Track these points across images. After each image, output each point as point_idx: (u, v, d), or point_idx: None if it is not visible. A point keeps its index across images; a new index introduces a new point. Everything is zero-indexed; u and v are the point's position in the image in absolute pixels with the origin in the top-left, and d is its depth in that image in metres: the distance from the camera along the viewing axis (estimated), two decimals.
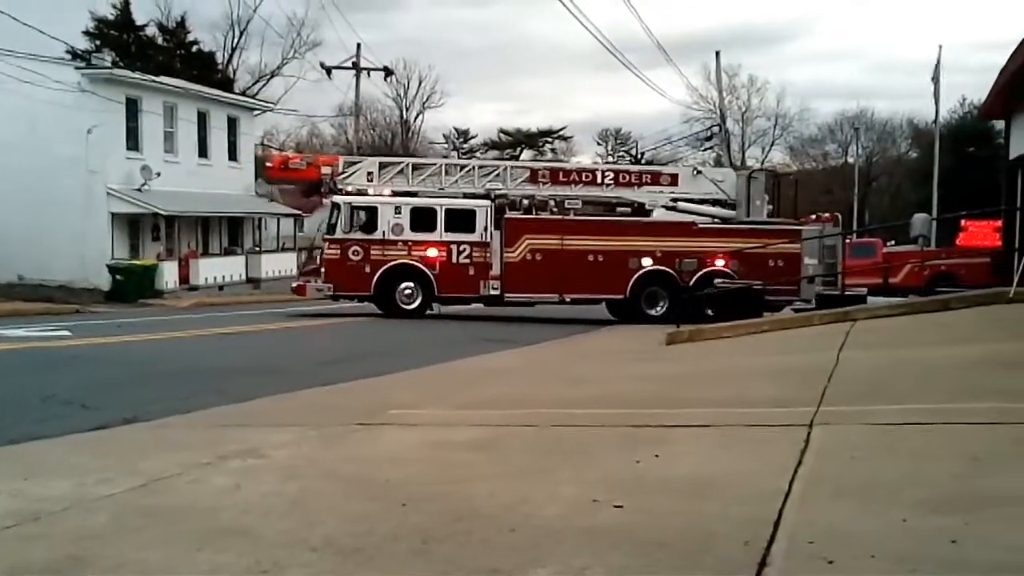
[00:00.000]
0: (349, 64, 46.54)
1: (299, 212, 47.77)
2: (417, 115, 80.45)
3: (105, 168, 33.93)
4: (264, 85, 63.15)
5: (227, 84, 53.69)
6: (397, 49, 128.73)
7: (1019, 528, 4.04)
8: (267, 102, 51.93)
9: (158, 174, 35.06)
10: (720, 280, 22.73)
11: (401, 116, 78.88)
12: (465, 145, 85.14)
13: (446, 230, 23.82)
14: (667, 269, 23.27)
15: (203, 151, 40.26)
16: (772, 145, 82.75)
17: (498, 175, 25.16)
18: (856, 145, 76.08)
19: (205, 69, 52.46)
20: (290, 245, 46.23)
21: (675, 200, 24.95)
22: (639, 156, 75.66)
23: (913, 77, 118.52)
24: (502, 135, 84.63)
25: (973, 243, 34.53)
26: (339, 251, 23.93)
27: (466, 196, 24.59)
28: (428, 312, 24.26)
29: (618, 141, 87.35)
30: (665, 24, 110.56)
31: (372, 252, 23.71)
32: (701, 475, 5.32)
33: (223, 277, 38.74)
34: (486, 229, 23.94)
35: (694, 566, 3.85)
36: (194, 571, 3.98)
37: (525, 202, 24.97)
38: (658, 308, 22.46)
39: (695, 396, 8.61)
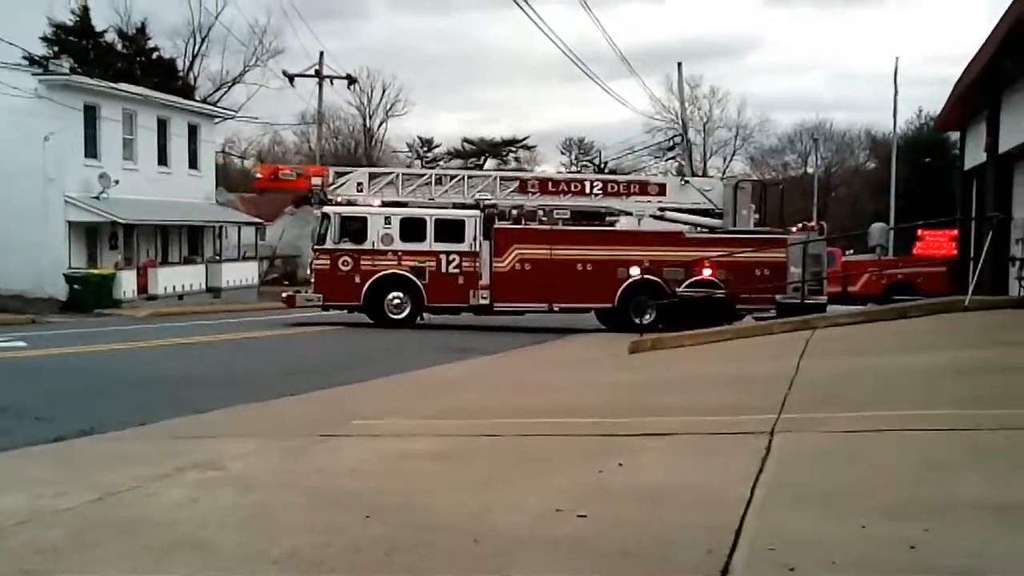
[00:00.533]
0: (312, 72, 46.33)
1: (260, 221, 47.51)
2: (380, 123, 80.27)
3: (62, 176, 33.49)
4: (225, 92, 62.76)
5: (188, 91, 53.23)
6: (361, 57, 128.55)
7: (977, 534, 4.09)
8: (228, 110, 51.59)
9: (116, 182, 34.67)
10: (682, 291, 22.88)
11: (364, 124, 78.66)
12: (429, 154, 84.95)
13: (436, 240, 23.93)
14: (655, 278, 23.39)
15: (163, 159, 39.88)
16: (733, 155, 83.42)
17: (487, 185, 25.35)
18: (815, 155, 76.84)
19: (165, 76, 51.93)
20: (251, 254, 45.92)
21: (663, 210, 25.16)
22: (602, 166, 76.01)
23: (871, 89, 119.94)
24: (466, 144, 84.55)
25: (930, 252, 34.99)
26: (329, 261, 23.98)
27: (456, 206, 24.73)
28: (419, 322, 24.35)
29: (581, 151, 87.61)
30: (628, 35, 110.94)
31: (362, 262, 23.80)
32: (664, 483, 5.33)
33: (183, 286, 38.34)
34: (475, 239, 24.09)
35: (657, 574, 3.86)
36: None
37: (514, 212, 25.21)
38: (646, 317, 22.52)
39: (658, 404, 8.64)
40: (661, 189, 25.64)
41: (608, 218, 25.60)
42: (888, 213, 47.01)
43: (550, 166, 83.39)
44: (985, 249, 17.02)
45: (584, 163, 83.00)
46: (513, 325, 24.17)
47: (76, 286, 32.51)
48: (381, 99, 78.68)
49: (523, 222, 25.10)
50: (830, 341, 12.99)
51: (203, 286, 39.82)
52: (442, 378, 13.28)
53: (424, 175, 26.57)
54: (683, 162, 49.65)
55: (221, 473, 6.11)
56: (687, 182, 26.37)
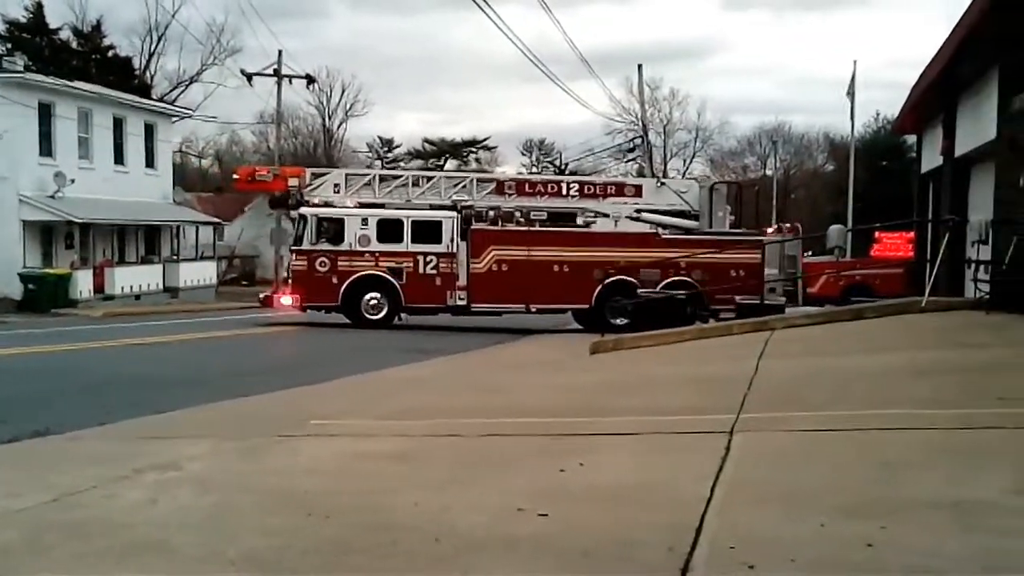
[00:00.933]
0: (270, 71, 46.00)
1: (218, 220, 47.16)
2: (340, 123, 79.91)
3: (17, 174, 33.11)
4: (183, 91, 62.32)
5: (144, 90, 52.75)
6: (320, 57, 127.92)
7: (933, 532, 4.13)
8: (186, 108, 51.23)
9: (72, 181, 34.31)
10: (643, 291, 22.95)
11: (324, 124, 78.26)
12: (389, 154, 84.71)
13: (413, 241, 24.02)
14: (631, 279, 23.47)
15: (119, 158, 39.50)
16: (693, 157, 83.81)
17: (464, 187, 25.40)
18: (774, 158, 77.42)
19: (122, 74, 51.46)
20: (209, 254, 45.60)
21: (639, 211, 25.27)
22: (563, 167, 76.12)
23: (830, 92, 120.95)
24: (426, 144, 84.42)
25: (887, 254, 35.36)
26: (306, 262, 24.01)
27: (433, 208, 24.78)
28: (396, 322, 24.36)
29: (542, 152, 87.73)
30: (589, 37, 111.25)
31: (339, 263, 23.85)
32: (625, 483, 5.34)
33: (140, 286, 38.01)
34: (452, 240, 24.18)
35: (618, 573, 3.87)
36: None
37: (491, 213, 25.31)
38: (622, 318, 22.54)
39: (618, 405, 8.65)
40: (637, 191, 25.79)
41: (584, 219, 25.68)
42: (846, 215, 47.44)
43: (511, 167, 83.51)
44: (941, 251, 17.22)
45: (545, 164, 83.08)
46: (477, 326, 24.13)
47: (31, 286, 32.14)
48: (340, 99, 78.40)
49: (500, 223, 25.25)
50: (789, 342, 13.09)
51: (160, 286, 39.52)
52: (402, 378, 13.24)
53: (401, 176, 26.62)
54: (643, 164, 49.88)
55: (179, 474, 6.05)
56: (663, 184, 26.57)
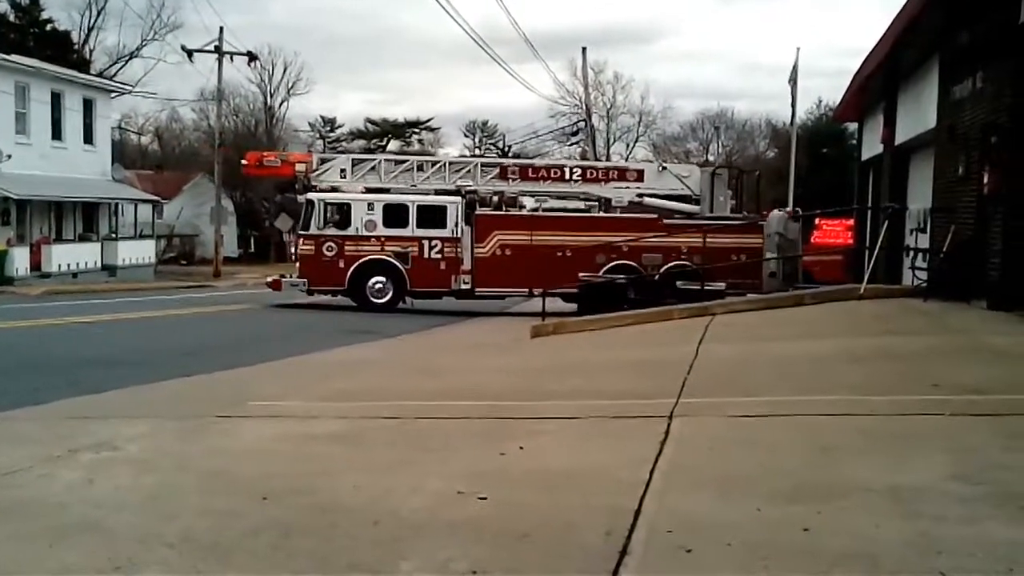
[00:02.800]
0: (211, 48, 45.43)
1: (158, 198, 46.53)
2: (282, 102, 78.94)
3: None
4: (123, 67, 61.25)
5: (83, 65, 51.80)
6: (265, 34, 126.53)
7: (868, 516, 4.19)
8: (125, 84, 50.30)
9: (8, 156, 33.61)
10: (584, 275, 23.00)
11: (265, 102, 77.28)
12: (332, 134, 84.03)
13: (418, 226, 24.09)
14: (633, 263, 23.57)
15: (57, 133, 38.75)
16: (636, 142, 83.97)
17: (469, 171, 25.47)
18: (717, 144, 77.89)
19: (60, 49, 50.42)
20: (148, 232, 44.95)
21: (641, 195, 25.34)
22: (506, 149, 75.99)
23: (773, 79, 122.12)
24: (369, 124, 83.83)
25: (827, 241, 35.75)
26: (313, 247, 24.07)
27: (438, 192, 24.93)
28: (401, 305, 24.32)
29: (485, 133, 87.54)
30: (534, 20, 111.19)
31: (346, 248, 23.92)
32: (564, 467, 5.36)
33: (77, 264, 37.37)
34: (457, 225, 24.28)
35: (556, 556, 3.88)
36: (43, 570, 3.84)
37: (495, 198, 25.54)
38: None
39: (559, 388, 8.68)
40: (639, 175, 25.88)
41: (586, 203, 25.91)
42: (787, 201, 47.88)
43: (454, 148, 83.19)
44: (880, 238, 17.48)
45: (488, 146, 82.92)
46: (423, 309, 24.16)
47: None
48: (283, 77, 77.47)
49: (504, 208, 25.57)
50: (728, 327, 13.19)
51: (98, 264, 38.91)
52: (344, 360, 13.17)
53: (406, 161, 26.67)
54: (586, 147, 49.98)
55: (117, 454, 5.98)
56: (665, 168, 26.65)
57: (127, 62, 61.80)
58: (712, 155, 76.86)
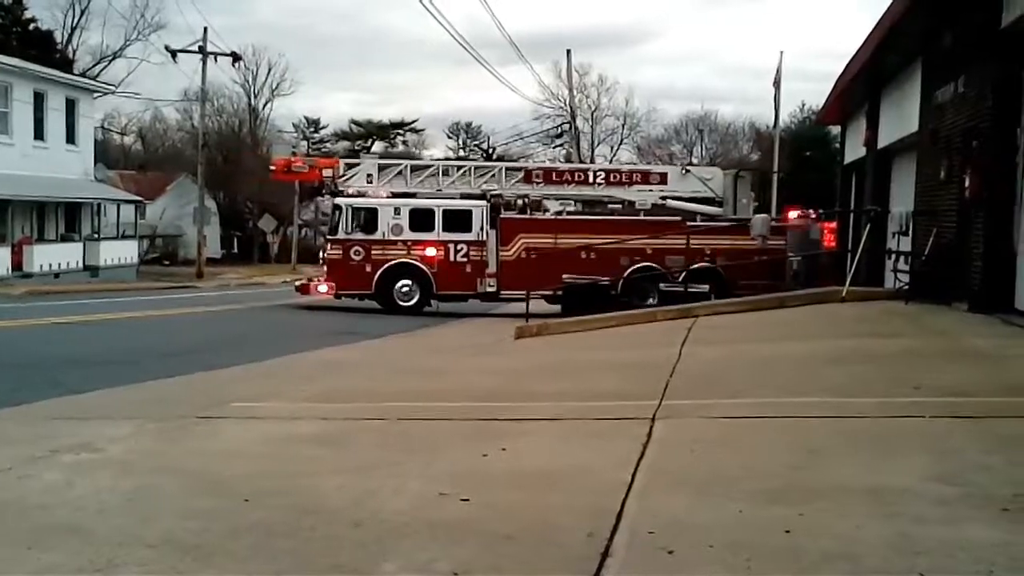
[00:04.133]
0: (195, 48, 45.34)
1: (140, 199, 46.36)
2: (266, 103, 78.80)
3: None
4: (106, 67, 61.00)
5: (66, 64, 51.54)
6: (251, 35, 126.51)
7: (849, 518, 4.20)
8: (108, 84, 50.12)
9: None
10: (568, 277, 23.02)
11: (249, 103, 77.11)
12: (316, 135, 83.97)
13: (444, 230, 24.47)
14: (656, 265, 23.71)
15: (39, 133, 38.56)
16: (620, 144, 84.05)
17: (493, 176, 25.87)
18: (700, 146, 78.04)
19: (43, 48, 50.14)
20: (131, 232, 44.79)
21: (664, 198, 25.58)
22: (490, 151, 76.04)
23: (757, 82, 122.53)
24: (353, 126, 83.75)
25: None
26: (341, 251, 24.50)
27: (463, 196, 25.24)
28: (427, 308, 24.57)
29: (469, 135, 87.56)
30: (520, 22, 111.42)
31: (373, 252, 24.34)
32: (547, 468, 5.36)
33: (59, 264, 37.19)
34: (482, 228, 24.64)
35: (539, 558, 3.88)
36: (23, 572, 3.81)
37: (520, 202, 25.73)
38: (649, 302, 22.62)
39: (542, 390, 8.68)
40: (662, 178, 26.18)
41: (610, 206, 26.07)
42: (771, 204, 48.05)
43: (438, 150, 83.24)
44: (863, 241, 17.53)
45: (472, 147, 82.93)
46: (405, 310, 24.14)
47: None
48: (267, 78, 77.33)
49: (528, 212, 25.74)
50: (712, 329, 13.22)
51: (81, 264, 38.75)
52: (327, 361, 13.15)
53: (432, 166, 27.23)
54: (571, 149, 50.04)
55: (98, 456, 5.94)
56: (688, 171, 26.87)
57: (110, 62, 61.61)
58: (696, 158, 76.97)
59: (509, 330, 15.35)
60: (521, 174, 26.40)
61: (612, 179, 26.22)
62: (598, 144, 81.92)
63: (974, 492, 4.52)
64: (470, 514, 4.46)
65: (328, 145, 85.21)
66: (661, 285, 22.69)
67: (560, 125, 50.59)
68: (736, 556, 3.80)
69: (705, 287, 22.10)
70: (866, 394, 7.24)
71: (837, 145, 33.78)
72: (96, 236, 41.86)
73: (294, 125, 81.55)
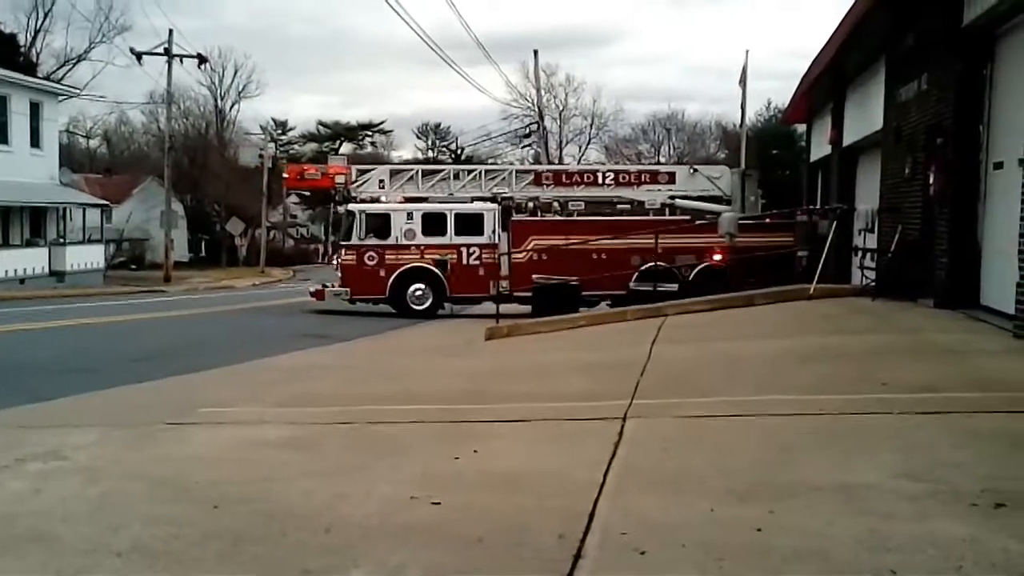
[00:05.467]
0: (161, 50, 45.01)
1: (106, 203, 45.98)
2: (233, 105, 78.50)
3: None
4: (70, 70, 60.57)
5: (30, 68, 51.03)
6: (219, 38, 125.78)
7: (819, 516, 4.22)
8: (73, 87, 49.67)
9: None
10: (538, 277, 23.05)
11: (216, 105, 76.76)
12: (283, 137, 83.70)
13: (456, 234, 24.55)
14: (667, 265, 23.61)
15: (3, 137, 38.13)
16: (588, 144, 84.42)
17: (504, 179, 26.17)
18: (668, 145, 78.41)
19: (6, 51, 49.53)
20: (97, 237, 44.37)
21: (673, 198, 25.78)
22: (459, 152, 75.97)
23: (723, 82, 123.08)
24: (321, 127, 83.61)
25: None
26: (355, 257, 24.55)
27: (474, 200, 25.48)
28: (441, 312, 24.66)
29: (437, 136, 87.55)
30: (489, 23, 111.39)
31: (386, 257, 24.40)
32: (518, 470, 5.35)
33: (24, 270, 36.80)
34: (494, 231, 24.70)
35: (510, 560, 3.88)
36: None
37: (530, 204, 25.99)
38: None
39: (513, 391, 8.67)
40: (671, 177, 26.47)
41: (619, 206, 26.26)
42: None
43: (406, 151, 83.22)
44: (829, 239, 17.63)
45: (440, 148, 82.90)
46: (376, 312, 24.12)
47: None
48: (233, 80, 77.05)
49: (539, 214, 25.92)
50: (681, 328, 13.26)
51: (46, 270, 38.36)
52: (297, 365, 13.08)
53: (443, 171, 27.43)
54: (539, 149, 50.10)
55: (65, 463, 5.89)
56: (696, 171, 27.03)
57: (75, 65, 61.16)
58: (663, 157, 77.37)
59: (480, 331, 15.33)
60: (531, 176, 26.74)
61: (621, 180, 26.52)
62: (566, 144, 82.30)
63: (943, 488, 4.55)
64: (441, 517, 4.44)
65: (296, 147, 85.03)
66: (630, 284, 22.71)
67: (528, 125, 50.66)
68: (707, 555, 3.81)
69: (674, 286, 22.15)
70: (834, 391, 7.28)
71: (803, 143, 33.95)
72: (62, 241, 41.45)
73: (261, 127, 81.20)
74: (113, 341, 17.82)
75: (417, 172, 26.70)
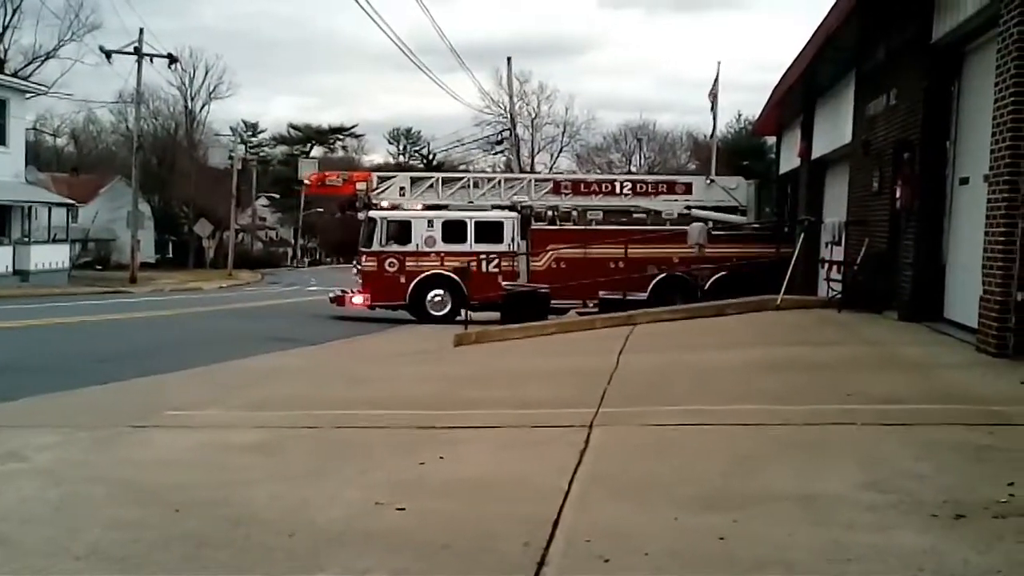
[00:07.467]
0: (131, 49, 44.72)
1: (72, 202, 45.59)
2: (203, 106, 78.14)
3: None
4: (38, 67, 60.10)
5: None
6: (193, 38, 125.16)
7: (783, 525, 4.24)
8: (41, 85, 49.19)
9: None
10: (508, 284, 23.07)
11: (186, 106, 76.38)
12: (253, 139, 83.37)
13: (476, 241, 24.67)
14: (683, 274, 23.92)
15: None
16: (560, 152, 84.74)
17: (523, 187, 26.47)
18: (639, 155, 78.77)
19: None
20: (63, 236, 43.98)
21: (689, 208, 26.02)
22: (431, 157, 75.86)
23: (695, 93, 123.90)
24: (292, 130, 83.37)
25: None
26: (376, 263, 24.71)
27: (494, 208, 25.71)
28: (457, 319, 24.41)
29: (409, 141, 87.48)
30: (464, 30, 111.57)
31: (407, 263, 24.58)
32: (484, 476, 5.35)
33: None
34: (513, 239, 24.89)
35: (475, 566, 3.87)
36: None
37: (549, 213, 26.24)
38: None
39: (480, 397, 8.67)
40: (688, 188, 26.71)
41: (636, 215, 26.35)
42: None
43: (378, 156, 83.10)
44: (797, 251, 17.75)
45: (412, 154, 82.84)
46: (345, 316, 24.01)
47: None
48: (204, 80, 76.69)
49: (558, 222, 26.07)
50: (650, 337, 13.31)
51: (10, 269, 37.97)
52: (263, 368, 13.01)
53: (463, 179, 27.59)
54: (511, 156, 50.11)
55: (25, 465, 5.84)
56: (712, 181, 27.28)
57: (43, 62, 60.68)
58: (634, 166, 77.71)
59: (448, 337, 15.31)
60: (550, 185, 27.06)
61: (639, 189, 26.85)
62: (538, 151, 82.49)
63: (904, 499, 4.59)
64: (406, 523, 4.43)
65: (266, 149, 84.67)
66: (600, 293, 22.78)
67: (500, 132, 50.58)
68: (671, 563, 3.82)
69: (643, 295, 22.24)
70: (799, 402, 7.33)
71: (773, 155, 34.19)
72: (26, 240, 41.01)
73: (231, 128, 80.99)
74: (78, 342, 17.66)
75: (437, 180, 26.98)
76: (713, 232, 24.64)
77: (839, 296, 15.01)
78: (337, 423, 7.27)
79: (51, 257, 41.15)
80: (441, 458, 5.78)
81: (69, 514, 4.69)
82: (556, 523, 4.31)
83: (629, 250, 24.21)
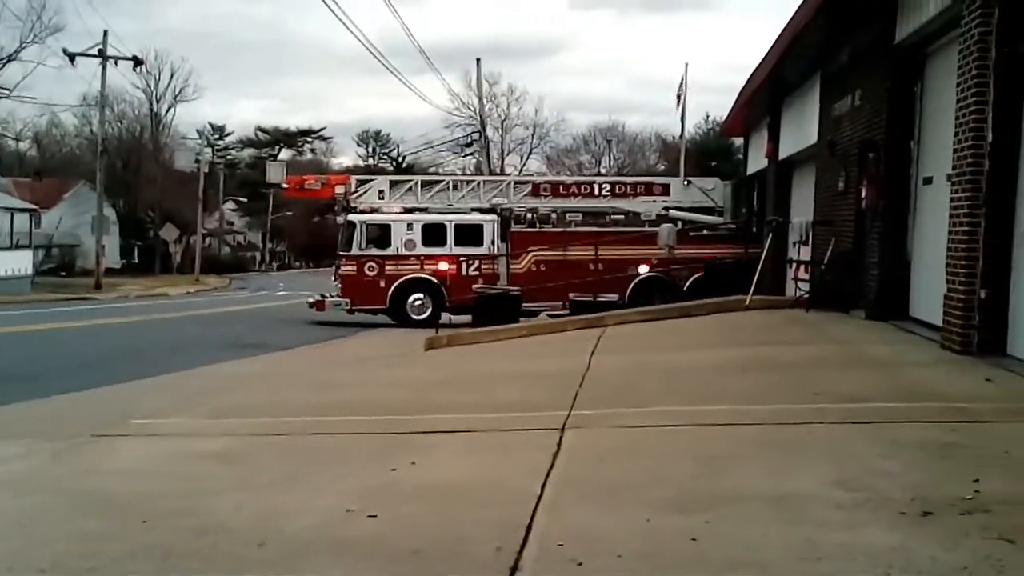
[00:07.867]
0: (95, 51, 44.31)
1: (35, 207, 45.16)
2: (169, 108, 77.59)
3: None
4: (0, 70, 59.37)
5: None
6: (158, 40, 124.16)
7: (754, 525, 4.24)
8: (2, 88, 48.83)
9: None
10: (479, 288, 23.04)
11: (151, 109, 75.80)
12: (220, 142, 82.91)
13: (456, 244, 24.70)
14: (661, 275, 24.09)
15: None
16: (530, 153, 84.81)
17: (502, 190, 26.46)
18: (609, 156, 79.00)
19: None
20: (25, 242, 43.53)
21: (667, 209, 26.10)
22: (400, 160, 75.73)
23: (664, 95, 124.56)
24: (260, 133, 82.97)
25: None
26: (355, 267, 24.63)
27: (473, 211, 25.65)
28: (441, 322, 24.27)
29: (379, 143, 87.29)
30: (434, 32, 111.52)
31: (387, 267, 24.53)
32: (456, 481, 5.32)
33: None
34: (493, 242, 24.93)
35: (448, 572, 3.85)
36: None
37: (529, 215, 26.12)
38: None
39: (451, 402, 8.63)
40: (665, 189, 26.86)
41: (614, 217, 26.46)
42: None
43: (347, 158, 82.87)
44: (765, 251, 17.84)
45: (381, 156, 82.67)
46: (320, 320, 23.92)
47: None
48: (169, 83, 76.16)
49: (537, 225, 26.05)
50: (620, 338, 13.33)
51: None
52: (231, 375, 12.92)
53: (442, 181, 27.70)
54: (480, 158, 50.14)
55: None
56: (690, 182, 27.44)
57: (4, 65, 59.77)
58: (604, 168, 77.87)
59: (419, 341, 15.27)
60: (529, 187, 27.11)
61: (617, 191, 26.95)
62: (508, 153, 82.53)
63: (873, 497, 4.61)
64: (378, 530, 4.40)
65: (233, 152, 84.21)
66: (571, 295, 22.81)
67: (470, 134, 50.65)
68: (644, 565, 3.82)
69: (614, 296, 22.31)
70: (768, 401, 7.36)
71: (741, 156, 34.36)
72: None
73: (198, 131, 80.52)
74: (40, 350, 17.47)
75: (416, 183, 26.93)
76: (683, 233, 24.78)
77: (807, 296, 15.08)
78: (307, 429, 7.21)
79: (13, 263, 40.75)
80: (413, 463, 5.75)
81: (31, 526, 4.62)
82: (529, 527, 4.30)
83: (608, 252, 24.32)
